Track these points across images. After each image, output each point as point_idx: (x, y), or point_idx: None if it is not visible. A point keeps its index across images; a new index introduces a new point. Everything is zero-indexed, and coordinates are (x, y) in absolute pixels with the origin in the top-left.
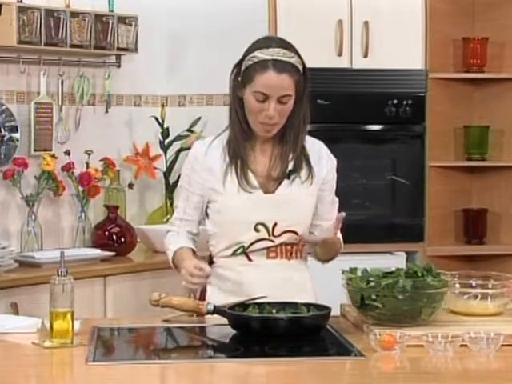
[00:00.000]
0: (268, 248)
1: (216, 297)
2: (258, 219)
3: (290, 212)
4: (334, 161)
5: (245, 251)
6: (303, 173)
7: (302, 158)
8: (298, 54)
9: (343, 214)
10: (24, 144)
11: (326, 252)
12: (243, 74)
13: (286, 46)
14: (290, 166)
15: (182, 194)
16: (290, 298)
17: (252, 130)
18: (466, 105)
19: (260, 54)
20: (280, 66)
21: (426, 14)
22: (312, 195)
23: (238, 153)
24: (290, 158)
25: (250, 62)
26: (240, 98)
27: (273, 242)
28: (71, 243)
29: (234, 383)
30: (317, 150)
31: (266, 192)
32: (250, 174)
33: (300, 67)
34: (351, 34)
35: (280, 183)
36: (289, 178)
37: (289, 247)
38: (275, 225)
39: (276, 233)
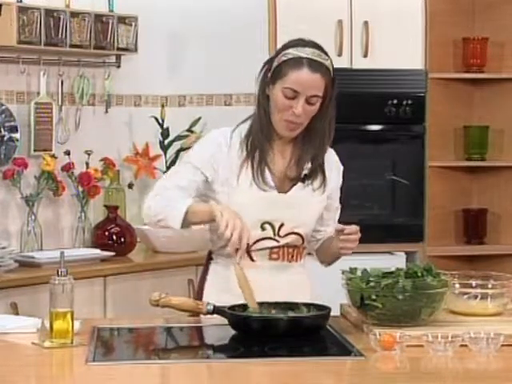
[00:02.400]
0: (271, 248)
1: (214, 295)
2: (266, 218)
3: (298, 214)
4: (341, 168)
5: (248, 249)
6: (317, 180)
7: (318, 166)
8: (329, 57)
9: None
10: (24, 144)
11: (334, 253)
12: (275, 70)
13: (320, 47)
14: (307, 171)
15: (185, 168)
16: (287, 299)
17: (273, 131)
18: (466, 105)
19: (295, 52)
20: (315, 65)
21: (426, 14)
22: (321, 202)
23: (257, 148)
24: (309, 162)
25: (284, 58)
26: (267, 96)
27: (277, 242)
28: (71, 243)
29: (234, 383)
30: (327, 158)
31: (279, 192)
32: (267, 172)
33: (331, 71)
34: (351, 34)
35: (294, 185)
36: (304, 181)
37: (291, 249)
38: (282, 225)
39: (282, 233)
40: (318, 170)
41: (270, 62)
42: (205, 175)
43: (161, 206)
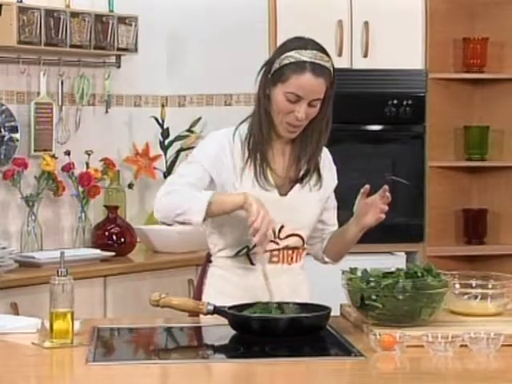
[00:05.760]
0: (271, 251)
1: (213, 299)
2: None
3: (297, 216)
4: (335, 168)
5: (248, 252)
6: (313, 178)
7: (314, 164)
8: (330, 57)
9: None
10: (24, 144)
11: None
12: (276, 73)
13: (322, 49)
14: (303, 170)
15: (192, 168)
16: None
17: (273, 131)
18: (466, 105)
19: (297, 55)
20: (318, 69)
21: (426, 14)
22: (320, 201)
23: (258, 148)
24: (306, 161)
25: (286, 62)
26: (267, 96)
27: (277, 244)
28: (71, 243)
29: (234, 383)
30: (323, 157)
31: (280, 194)
32: (269, 172)
33: (332, 72)
34: (351, 34)
35: (293, 186)
36: (302, 181)
37: (290, 252)
38: (282, 227)
39: (282, 235)
40: (314, 168)
41: (270, 62)
42: (210, 176)
43: (179, 200)
